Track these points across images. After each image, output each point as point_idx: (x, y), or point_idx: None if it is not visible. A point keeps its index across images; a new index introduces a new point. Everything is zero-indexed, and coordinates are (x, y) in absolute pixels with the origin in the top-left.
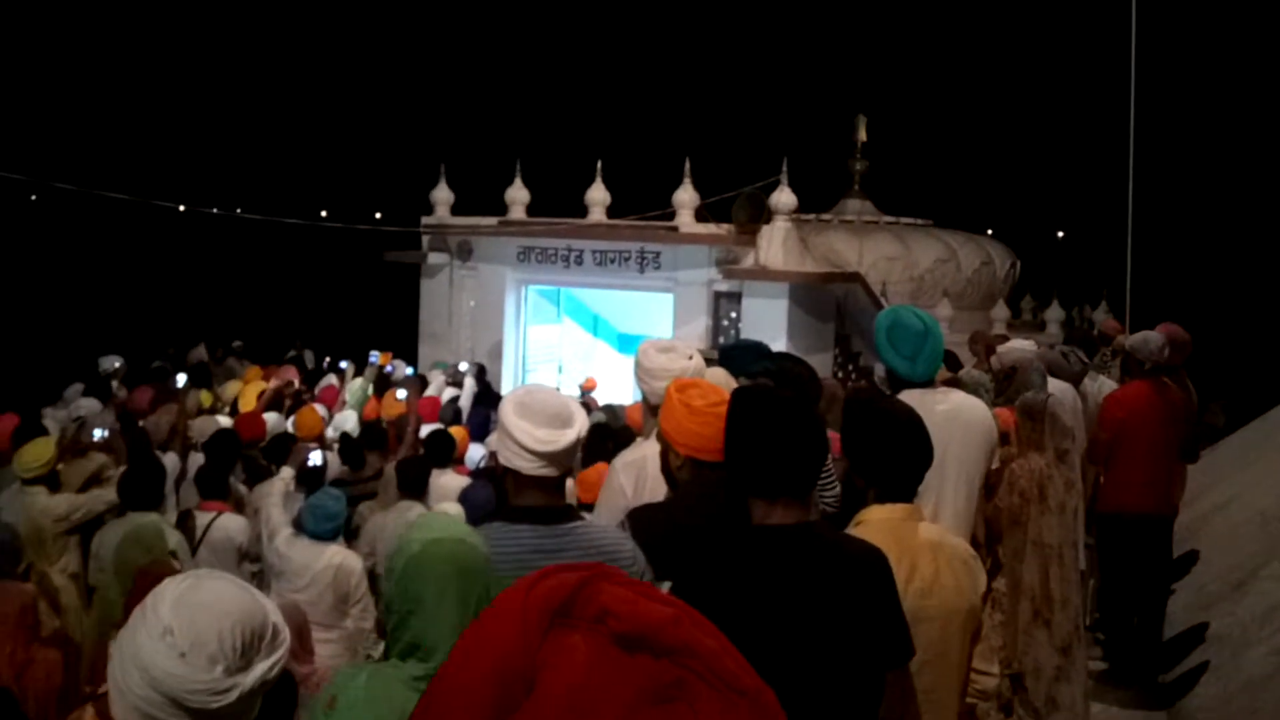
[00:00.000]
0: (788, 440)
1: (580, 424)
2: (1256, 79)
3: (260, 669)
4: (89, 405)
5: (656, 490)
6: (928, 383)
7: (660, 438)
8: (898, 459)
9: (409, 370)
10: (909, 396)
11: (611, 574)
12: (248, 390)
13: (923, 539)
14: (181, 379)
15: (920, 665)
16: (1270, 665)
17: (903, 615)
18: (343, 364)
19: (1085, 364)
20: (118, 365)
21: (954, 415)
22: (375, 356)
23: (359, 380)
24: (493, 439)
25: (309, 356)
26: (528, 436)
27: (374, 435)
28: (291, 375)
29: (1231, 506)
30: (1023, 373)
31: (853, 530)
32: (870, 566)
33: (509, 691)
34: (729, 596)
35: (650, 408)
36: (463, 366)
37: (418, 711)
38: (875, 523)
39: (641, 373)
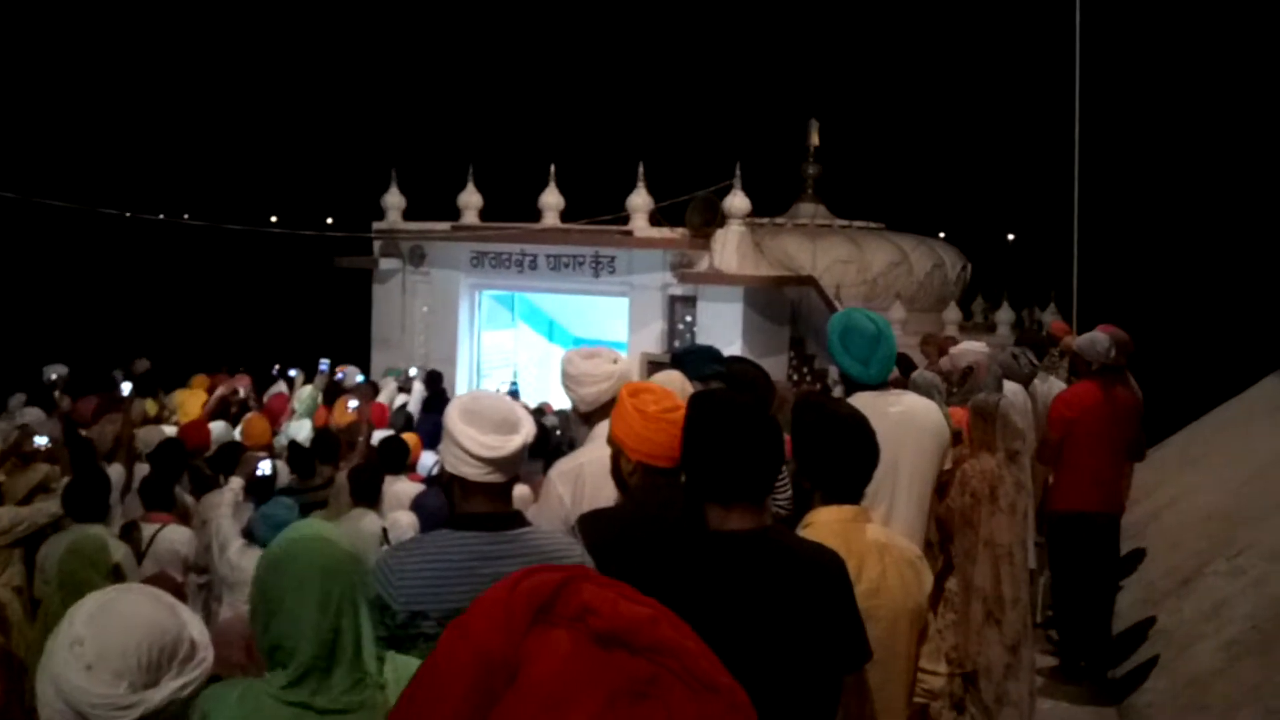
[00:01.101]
0: (744, 446)
1: (527, 430)
2: (1199, 87)
3: (169, 688)
4: (33, 415)
5: (595, 498)
6: (881, 385)
7: (611, 442)
8: (844, 461)
9: (359, 378)
10: (862, 399)
11: (593, 575)
12: (190, 399)
13: (870, 540)
14: (126, 388)
15: (869, 665)
16: (1217, 660)
17: (859, 618)
18: (291, 372)
19: (1035, 365)
20: (54, 377)
21: (907, 417)
22: (325, 364)
23: (309, 388)
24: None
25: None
26: (473, 443)
27: (325, 444)
28: (237, 383)
29: (1177, 505)
30: (979, 373)
31: (801, 532)
32: (827, 570)
33: (491, 682)
34: (685, 602)
35: (580, 415)
36: (412, 372)
37: (403, 699)
38: (823, 524)
39: (568, 381)
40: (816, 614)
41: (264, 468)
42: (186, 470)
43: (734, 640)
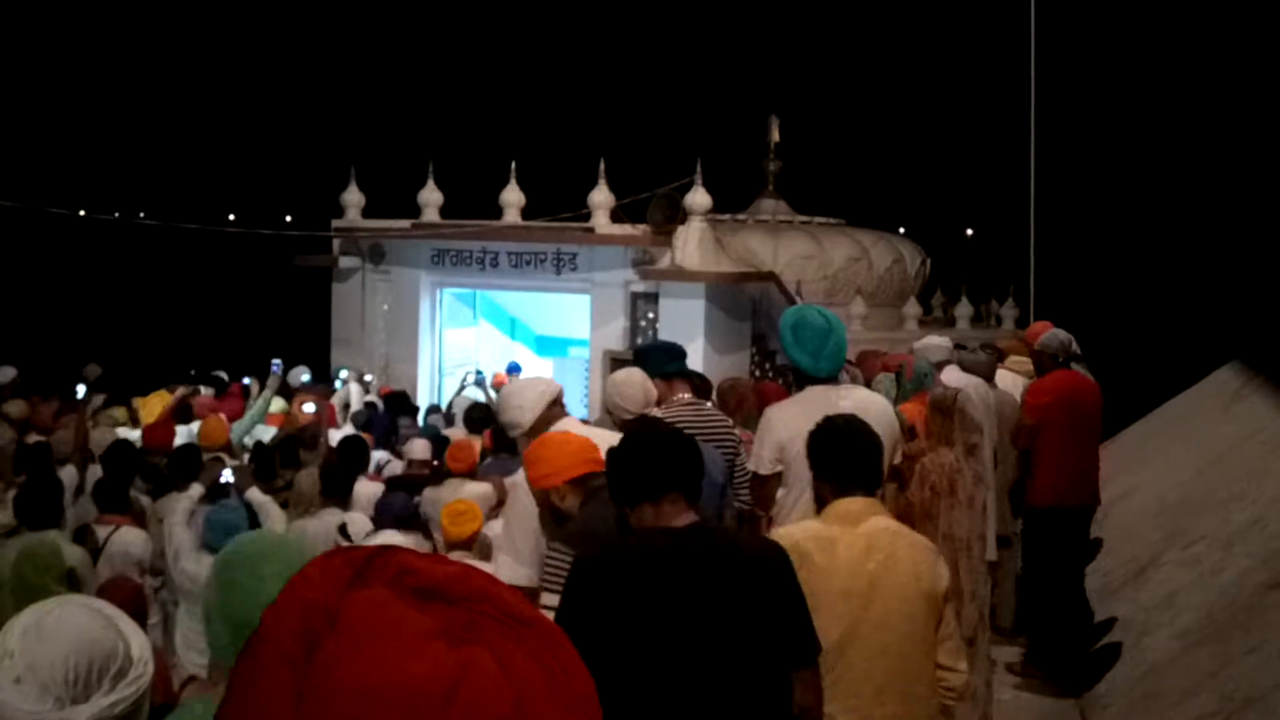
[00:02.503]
0: (655, 445)
1: None
2: (1154, 83)
3: (100, 704)
4: None
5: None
6: (831, 378)
7: (538, 500)
8: (844, 459)
9: (305, 377)
10: (813, 392)
11: (405, 548)
12: (151, 400)
13: (881, 524)
14: (81, 390)
15: (882, 647)
16: (1172, 649)
17: (807, 613)
18: (245, 380)
19: (995, 354)
20: None
21: (856, 410)
22: (278, 365)
23: (265, 393)
24: (418, 445)
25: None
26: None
27: (286, 446)
28: (196, 386)
29: (1133, 496)
30: (910, 365)
31: (819, 518)
32: (769, 564)
33: (313, 624)
34: (627, 598)
35: (528, 431)
36: (343, 374)
37: (244, 649)
38: (838, 511)
39: (510, 400)
40: (757, 606)
41: (226, 475)
42: (142, 471)
43: (674, 631)
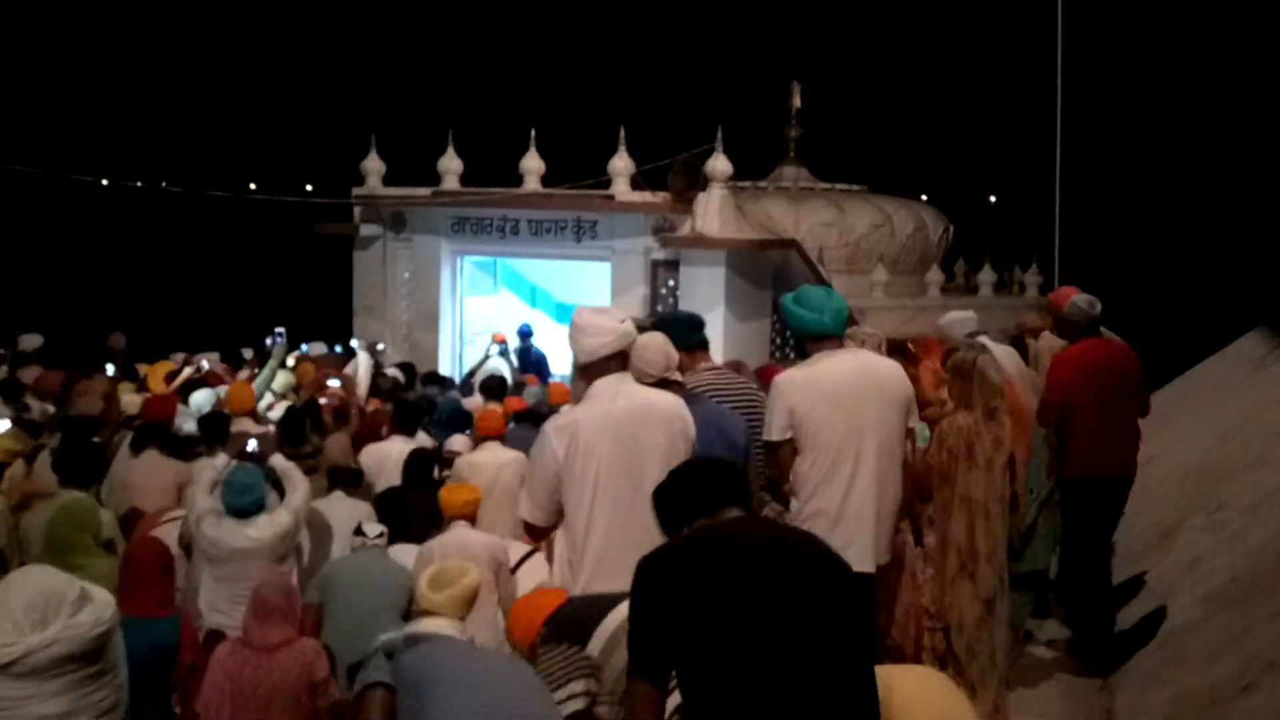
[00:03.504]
0: (704, 467)
1: None
2: (1181, 47)
3: (57, 627)
4: None
5: (589, 454)
6: (837, 337)
7: (525, 655)
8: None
9: (322, 349)
10: (820, 356)
11: None
12: (157, 369)
13: None
14: (110, 369)
15: None
16: (1196, 613)
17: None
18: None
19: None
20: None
21: (864, 372)
22: (281, 334)
23: (271, 362)
24: (458, 440)
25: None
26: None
27: (314, 414)
28: (202, 360)
29: (1157, 461)
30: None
31: None
32: (835, 560)
33: None
34: (699, 576)
35: (579, 369)
36: (353, 343)
37: None
38: None
39: (574, 331)
40: (830, 588)
41: (251, 445)
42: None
43: (758, 603)
